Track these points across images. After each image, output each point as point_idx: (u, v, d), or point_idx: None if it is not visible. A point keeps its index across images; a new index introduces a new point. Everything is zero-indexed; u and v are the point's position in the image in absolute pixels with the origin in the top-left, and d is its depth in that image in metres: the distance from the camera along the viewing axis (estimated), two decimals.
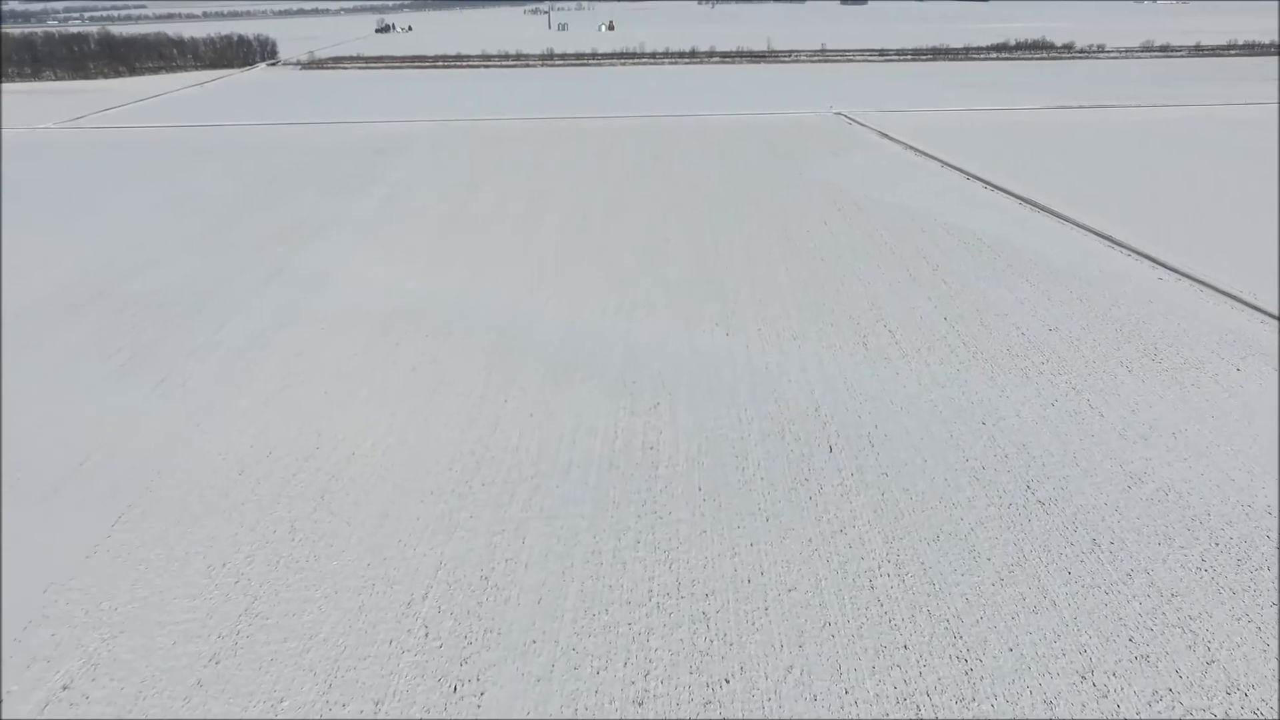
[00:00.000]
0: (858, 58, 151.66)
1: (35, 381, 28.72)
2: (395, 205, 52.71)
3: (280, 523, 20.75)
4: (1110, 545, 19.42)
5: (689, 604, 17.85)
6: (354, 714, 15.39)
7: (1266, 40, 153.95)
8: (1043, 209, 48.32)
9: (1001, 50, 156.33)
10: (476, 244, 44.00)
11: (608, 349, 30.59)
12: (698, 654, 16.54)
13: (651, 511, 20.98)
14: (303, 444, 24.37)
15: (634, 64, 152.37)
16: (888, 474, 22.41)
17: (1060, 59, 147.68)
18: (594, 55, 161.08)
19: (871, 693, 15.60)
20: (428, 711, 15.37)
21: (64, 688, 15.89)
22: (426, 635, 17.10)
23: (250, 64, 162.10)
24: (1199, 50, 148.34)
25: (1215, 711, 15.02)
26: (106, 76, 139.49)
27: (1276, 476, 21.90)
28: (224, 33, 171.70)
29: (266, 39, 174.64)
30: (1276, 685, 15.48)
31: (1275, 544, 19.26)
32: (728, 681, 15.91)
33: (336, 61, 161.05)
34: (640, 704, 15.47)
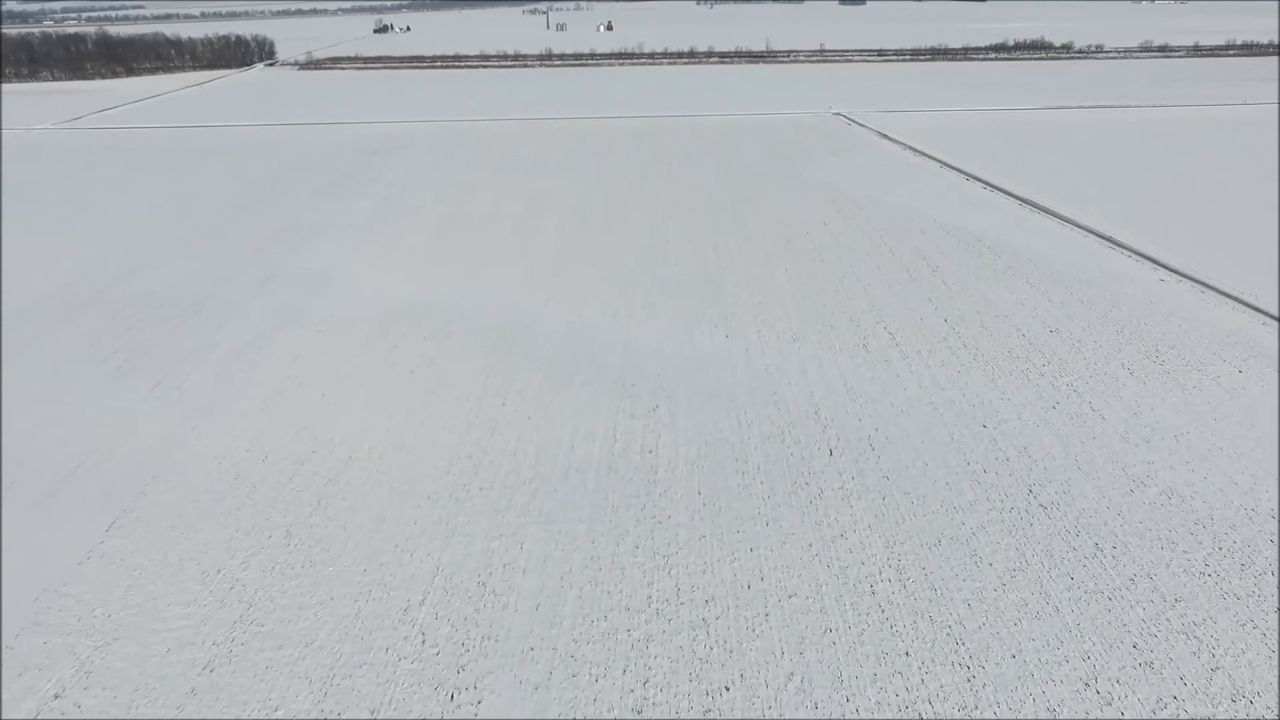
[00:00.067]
0: (856, 58, 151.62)
1: (31, 383, 28.50)
2: (393, 206, 52.52)
3: (276, 528, 20.56)
4: (1113, 550, 19.26)
5: (688, 610, 17.68)
6: (353, 714, 15.25)
7: (1265, 40, 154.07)
8: (1043, 209, 48.18)
9: (1000, 50, 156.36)
10: (475, 245, 43.82)
11: (606, 351, 30.41)
12: (697, 661, 16.37)
13: (650, 516, 20.80)
14: (299, 447, 24.18)
15: (633, 64, 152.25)
16: (889, 477, 22.24)
17: (1059, 59, 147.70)
18: (593, 55, 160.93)
19: (873, 700, 15.43)
20: None
21: (55, 696, 15.70)
22: (423, 642, 16.92)
23: (248, 64, 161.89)
24: (1198, 50, 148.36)
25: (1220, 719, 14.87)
26: (104, 77, 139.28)
27: (1277, 480, 21.75)
28: (222, 33, 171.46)
29: (264, 39, 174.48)
30: (1278, 692, 15.34)
31: (1278, 548, 19.10)
32: (728, 689, 15.74)
33: (334, 62, 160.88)
34: (639, 712, 15.30)
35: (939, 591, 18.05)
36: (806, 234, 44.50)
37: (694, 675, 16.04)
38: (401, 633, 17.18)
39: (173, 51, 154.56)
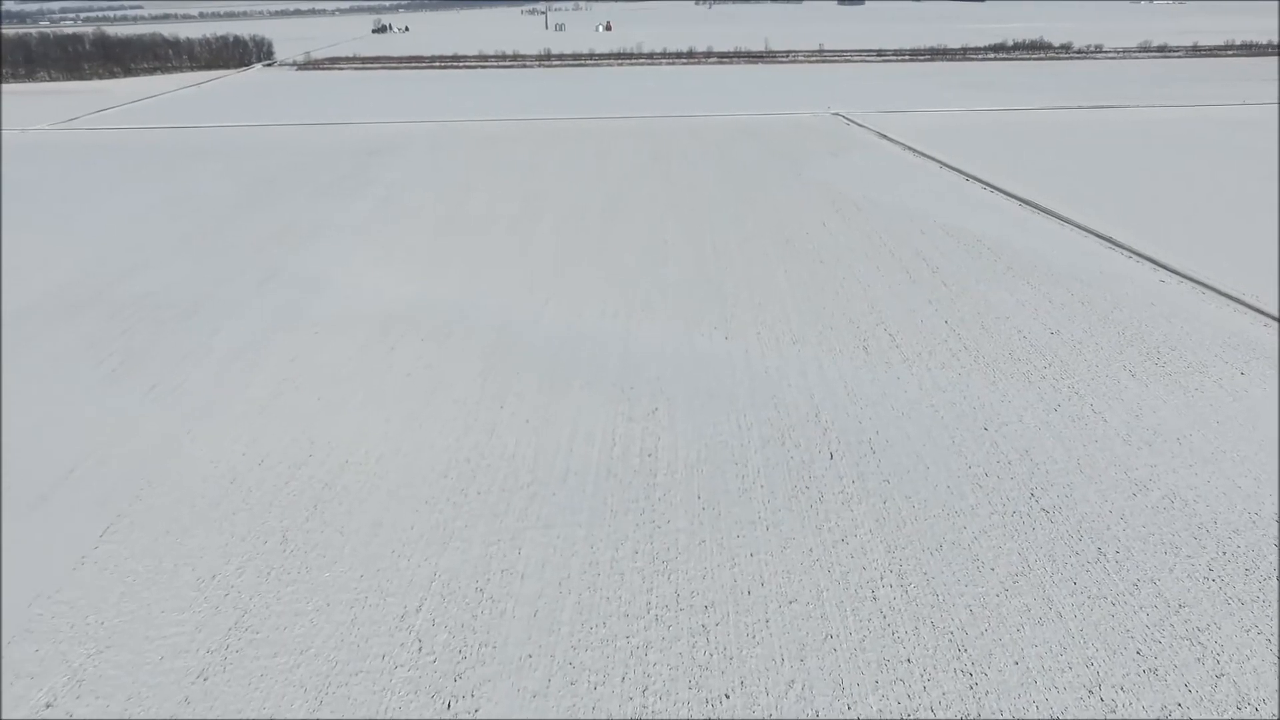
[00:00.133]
0: (855, 58, 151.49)
1: (26, 386, 28.30)
2: (391, 207, 52.33)
3: (272, 533, 20.38)
4: (1116, 554, 19.11)
5: (688, 616, 17.51)
6: (352, 716, 15.08)
7: (1264, 40, 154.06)
8: (1042, 210, 48.05)
9: (999, 50, 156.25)
10: (473, 246, 43.64)
11: (605, 353, 30.24)
12: (697, 668, 16.20)
13: (650, 520, 20.64)
14: (296, 451, 24.00)
15: (631, 64, 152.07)
16: (889, 481, 22.09)
17: (1058, 59, 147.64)
18: (591, 56, 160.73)
19: (875, 708, 15.26)
20: None
21: (47, 705, 15.51)
22: (420, 649, 16.74)
23: (246, 65, 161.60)
24: (1197, 50, 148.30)
25: None
26: (101, 77, 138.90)
27: (1278, 483, 21.63)
28: (220, 33, 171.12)
29: (262, 39, 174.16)
30: (1278, 695, 15.18)
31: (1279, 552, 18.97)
32: (727, 697, 15.57)
33: (333, 62, 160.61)
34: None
35: (940, 597, 17.90)
36: (806, 234, 44.35)
37: (694, 683, 15.87)
38: (398, 640, 17.00)
39: (170, 52, 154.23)
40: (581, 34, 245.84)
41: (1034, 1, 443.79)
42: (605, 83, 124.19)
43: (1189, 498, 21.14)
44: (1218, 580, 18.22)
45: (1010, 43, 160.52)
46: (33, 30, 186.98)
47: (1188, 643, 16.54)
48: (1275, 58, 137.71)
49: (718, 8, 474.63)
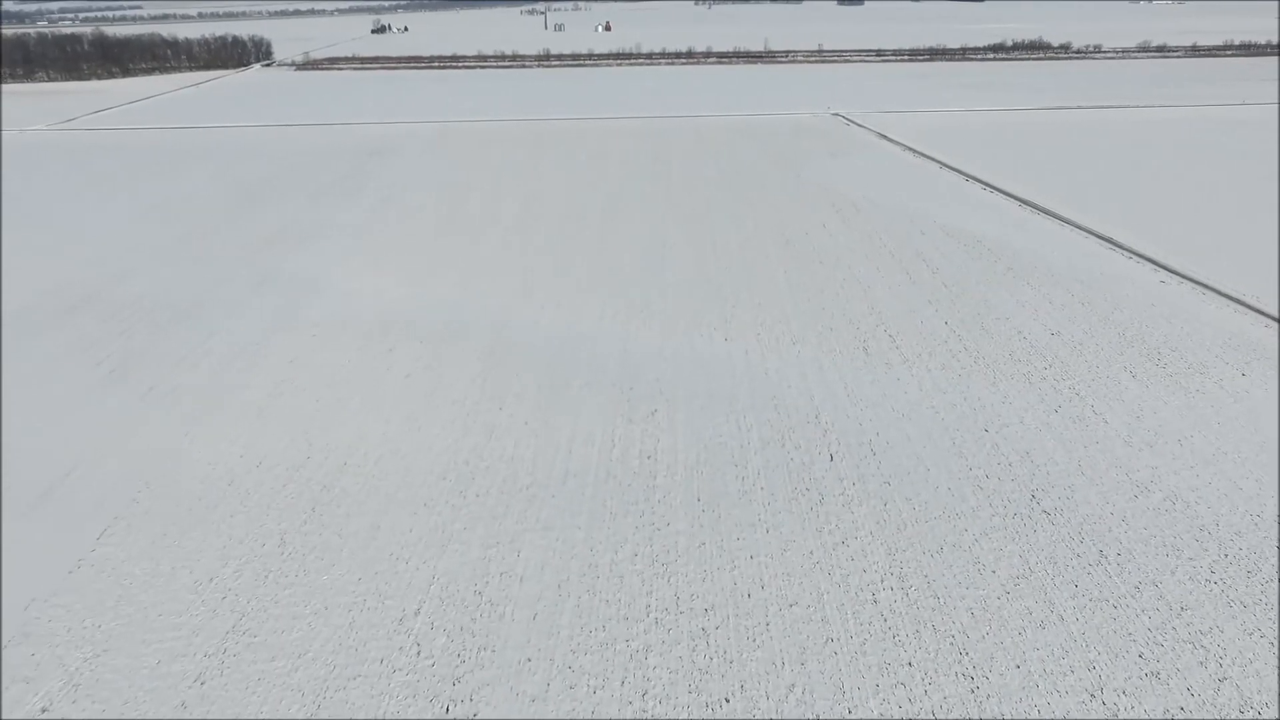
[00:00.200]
0: (855, 58, 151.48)
1: (23, 388, 28.18)
2: (389, 208, 52.21)
3: (269, 535, 20.27)
4: (1117, 557, 19.03)
5: (688, 620, 17.42)
6: (351, 715, 14.98)
7: (1263, 40, 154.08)
8: (1042, 210, 47.98)
9: (999, 50, 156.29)
10: (471, 247, 43.53)
11: (605, 354, 30.14)
12: (697, 672, 16.11)
13: (649, 523, 20.54)
14: (294, 454, 23.88)
15: (631, 65, 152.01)
16: (890, 483, 22.00)
17: (1057, 59, 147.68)
18: (590, 56, 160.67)
19: (875, 712, 15.18)
20: None
21: (43, 710, 15.41)
22: (418, 653, 16.64)
23: (245, 65, 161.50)
24: (1196, 51, 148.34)
25: None
26: (100, 78, 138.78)
27: (1278, 485, 21.54)
28: (218, 34, 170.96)
29: (261, 40, 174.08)
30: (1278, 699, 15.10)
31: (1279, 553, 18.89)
32: (728, 701, 15.48)
33: (332, 62, 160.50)
34: None
35: (942, 600, 17.81)
36: (806, 235, 44.27)
37: (694, 687, 15.78)
38: (396, 643, 16.91)
39: (169, 52, 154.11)
40: (581, 34, 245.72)
41: (1033, 1, 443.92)
42: (605, 83, 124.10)
43: (1190, 499, 21.06)
44: (1220, 583, 18.14)
45: (1009, 43, 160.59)
46: (31, 30, 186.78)
47: (1190, 646, 16.46)
48: (1275, 58, 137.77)
49: (717, 8, 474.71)
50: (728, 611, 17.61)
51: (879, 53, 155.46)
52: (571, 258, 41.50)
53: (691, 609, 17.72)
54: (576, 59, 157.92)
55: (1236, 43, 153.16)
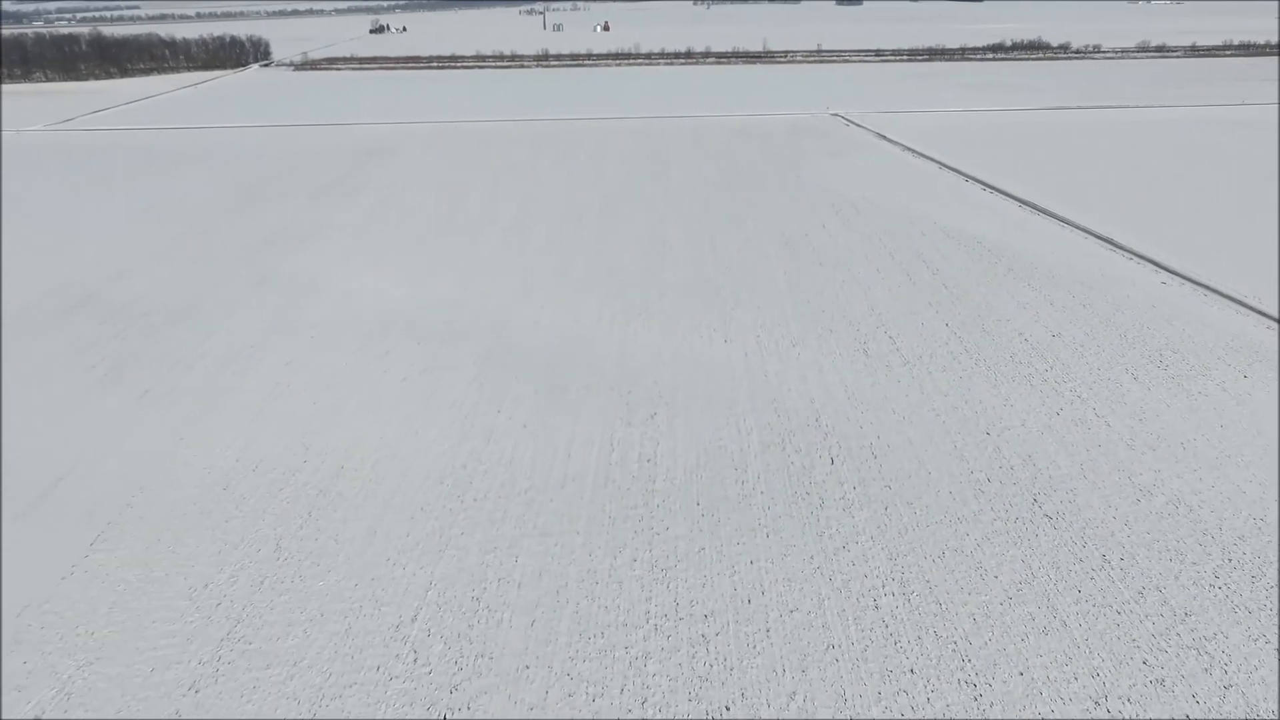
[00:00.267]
0: (854, 58, 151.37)
1: (16, 390, 27.98)
2: (387, 209, 52.02)
3: (265, 540, 20.09)
4: (1120, 561, 18.87)
5: (687, 626, 17.25)
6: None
7: (1262, 41, 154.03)
8: (1043, 211, 47.84)
9: (998, 50, 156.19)
10: (470, 248, 43.35)
11: (603, 356, 29.97)
12: (697, 679, 15.94)
13: (648, 528, 20.37)
14: (290, 457, 23.70)
15: (629, 65, 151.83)
16: (891, 487, 21.83)
17: (1057, 59, 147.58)
18: (589, 56, 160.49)
19: None
20: None
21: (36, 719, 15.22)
22: (415, 660, 16.47)
23: (243, 65, 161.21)
24: (1195, 51, 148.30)
25: None
26: (98, 78, 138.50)
27: (1278, 488, 21.39)
28: (217, 34, 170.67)
29: (260, 40, 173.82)
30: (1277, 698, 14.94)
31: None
32: (728, 709, 15.31)
33: (330, 62, 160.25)
34: None
35: (944, 606, 17.65)
36: (805, 236, 44.11)
37: (693, 694, 15.61)
38: (393, 650, 16.73)
39: (167, 52, 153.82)
40: (579, 34, 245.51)
41: (1032, 1, 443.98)
42: (603, 83, 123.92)
43: (1193, 503, 20.91)
44: (1224, 588, 17.99)
45: (1009, 43, 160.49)
46: (29, 30, 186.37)
47: (1194, 652, 16.30)
48: (1274, 58, 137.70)
49: (716, 8, 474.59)
50: (728, 617, 17.44)
51: (878, 53, 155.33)
52: (570, 258, 41.33)
53: (691, 615, 17.55)
54: (575, 59, 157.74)
55: (1235, 43, 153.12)
